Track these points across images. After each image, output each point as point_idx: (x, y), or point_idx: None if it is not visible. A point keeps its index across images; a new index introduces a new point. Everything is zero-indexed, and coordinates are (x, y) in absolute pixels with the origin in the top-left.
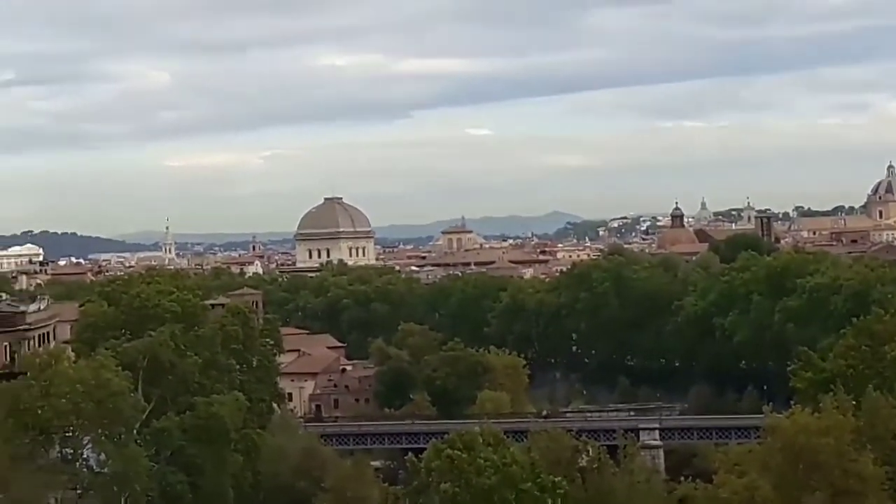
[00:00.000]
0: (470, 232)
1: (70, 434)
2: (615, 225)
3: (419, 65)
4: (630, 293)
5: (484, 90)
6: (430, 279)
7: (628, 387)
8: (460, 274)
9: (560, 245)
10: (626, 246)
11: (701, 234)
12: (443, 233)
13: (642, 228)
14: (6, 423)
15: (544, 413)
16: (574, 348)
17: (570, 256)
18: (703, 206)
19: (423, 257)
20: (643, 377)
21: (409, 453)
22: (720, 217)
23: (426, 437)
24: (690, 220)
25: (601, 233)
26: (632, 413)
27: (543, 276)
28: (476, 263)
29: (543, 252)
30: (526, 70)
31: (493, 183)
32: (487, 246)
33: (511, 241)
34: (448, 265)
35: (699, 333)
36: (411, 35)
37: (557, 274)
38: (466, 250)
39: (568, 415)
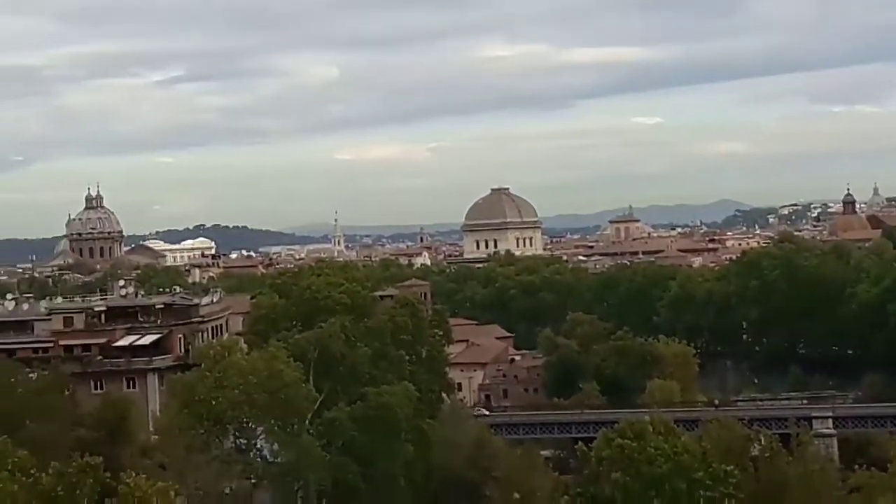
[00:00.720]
0: (637, 221)
1: (244, 424)
2: (785, 212)
3: (584, 54)
4: (801, 281)
5: (651, 78)
6: (597, 269)
7: (800, 375)
8: (628, 263)
9: (729, 233)
10: (796, 233)
11: (873, 220)
12: (610, 222)
13: (813, 215)
14: (181, 413)
15: (715, 402)
16: (745, 337)
17: (740, 244)
18: (876, 191)
19: (591, 247)
20: (815, 365)
21: (580, 442)
22: (894, 203)
23: (596, 427)
24: (863, 206)
25: (771, 220)
26: (804, 402)
27: (713, 265)
28: (644, 252)
29: (712, 240)
30: (694, 57)
31: (661, 171)
32: (655, 235)
33: (679, 229)
34: (616, 254)
35: (872, 321)
36: (576, 24)
37: (727, 262)
38: (634, 239)
39: (739, 404)
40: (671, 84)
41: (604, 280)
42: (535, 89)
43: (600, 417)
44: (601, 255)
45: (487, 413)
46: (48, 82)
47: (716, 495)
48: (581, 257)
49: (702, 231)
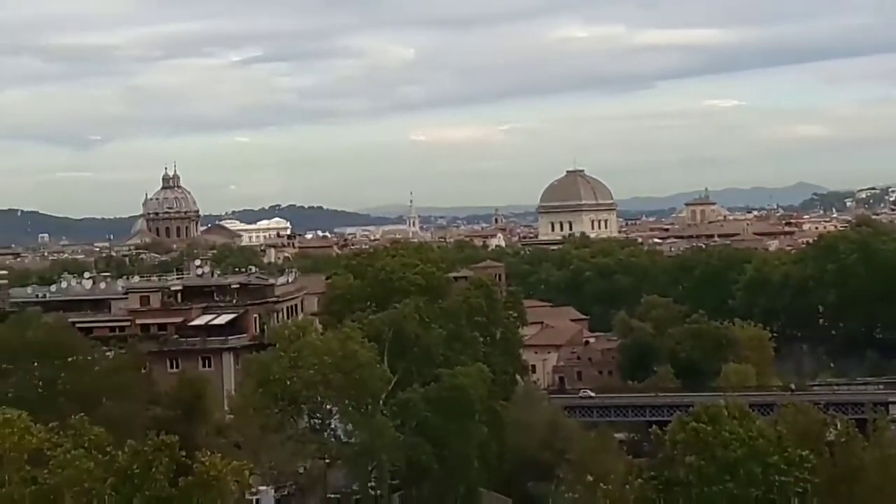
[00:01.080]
0: (713, 203)
1: (318, 405)
2: (863, 196)
3: (662, 35)
4: (879, 264)
5: (728, 60)
6: (672, 251)
7: (877, 360)
8: (704, 246)
9: (806, 216)
10: (874, 217)
11: None
12: (686, 204)
13: (891, 199)
14: (256, 393)
15: (791, 386)
16: (821, 321)
17: (817, 228)
18: None
19: (666, 229)
20: (892, 350)
21: (654, 426)
22: None
23: (670, 410)
24: None
25: (848, 204)
26: (881, 386)
27: (789, 248)
28: (720, 235)
29: (789, 224)
30: (771, 39)
31: (738, 154)
32: (731, 218)
33: (755, 212)
34: (691, 237)
35: None
36: (653, 5)
37: (803, 246)
38: (710, 222)
39: (815, 388)
40: (749, 66)
41: (679, 263)
42: (612, 71)
43: (675, 401)
44: (677, 237)
45: (594, 395)
46: (125, 62)
47: (791, 480)
48: (656, 240)
49: (778, 214)
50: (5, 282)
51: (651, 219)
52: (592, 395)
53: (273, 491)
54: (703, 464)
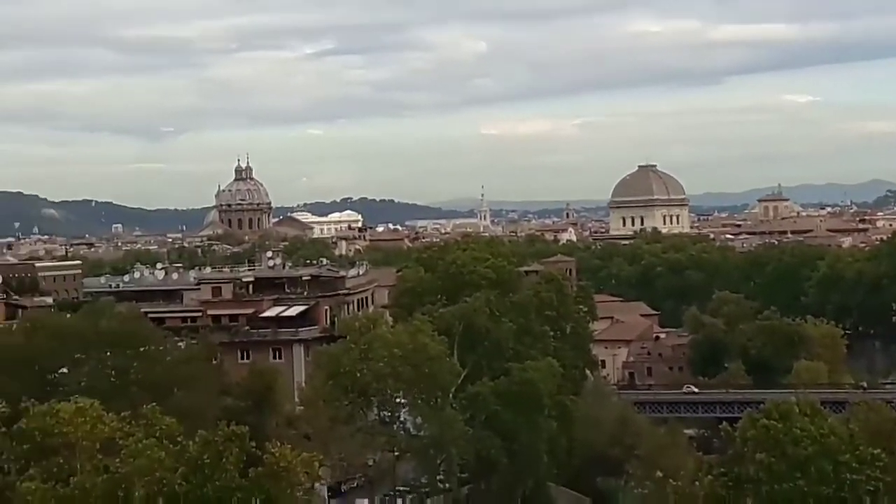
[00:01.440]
0: (786, 200)
1: (388, 397)
2: None
3: (735, 30)
4: None
5: (803, 56)
6: (745, 247)
7: None
8: (776, 242)
9: (880, 213)
10: None
11: None
12: (758, 200)
13: None
14: (327, 385)
15: (863, 384)
16: (894, 319)
17: (891, 225)
18: None
19: (738, 225)
20: None
21: (724, 422)
22: None
23: (741, 407)
24: None
25: None
26: None
27: (862, 245)
28: (792, 232)
29: (863, 220)
30: (846, 34)
31: (811, 150)
32: (804, 214)
33: (829, 209)
34: (764, 233)
35: None
36: (727, 0)
37: (877, 243)
38: (783, 218)
39: (888, 386)
40: (823, 62)
41: (751, 259)
42: (685, 65)
43: (745, 397)
44: (749, 233)
45: (697, 391)
46: (199, 54)
47: (862, 478)
48: (728, 236)
49: (852, 211)
50: (79, 272)
51: (723, 214)
52: (696, 390)
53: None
54: (773, 461)
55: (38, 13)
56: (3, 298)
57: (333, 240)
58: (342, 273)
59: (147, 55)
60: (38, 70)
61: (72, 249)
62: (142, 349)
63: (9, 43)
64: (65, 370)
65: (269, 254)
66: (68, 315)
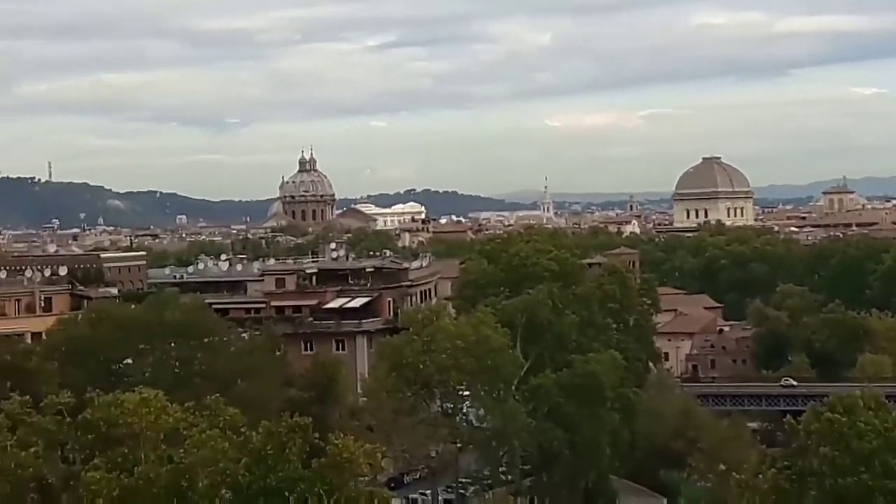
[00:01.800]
0: (852, 192)
1: (451, 389)
2: None
3: (801, 22)
4: None
5: (869, 48)
6: (809, 240)
7: None
8: (841, 235)
9: None
10: None
11: None
12: (823, 193)
13: None
14: (390, 376)
15: None
16: None
17: None
18: None
19: (803, 218)
20: None
21: (788, 415)
22: None
23: (805, 400)
24: None
25: None
26: None
27: None
28: (858, 224)
29: None
30: None
31: (877, 142)
32: (870, 207)
33: (894, 201)
34: (829, 226)
35: None
36: None
37: None
38: (848, 211)
39: None
40: (889, 54)
41: (816, 252)
42: (750, 57)
43: (809, 391)
44: (813, 226)
45: (796, 384)
46: (264, 46)
47: None
48: (793, 228)
49: None
50: (144, 263)
51: (788, 207)
52: (795, 384)
53: None
54: (837, 455)
55: (109, 6)
56: (68, 289)
57: (397, 231)
58: (405, 265)
59: (215, 47)
60: (109, 61)
61: (136, 240)
62: (206, 340)
63: (81, 35)
64: (129, 361)
65: (333, 245)
66: (133, 306)
